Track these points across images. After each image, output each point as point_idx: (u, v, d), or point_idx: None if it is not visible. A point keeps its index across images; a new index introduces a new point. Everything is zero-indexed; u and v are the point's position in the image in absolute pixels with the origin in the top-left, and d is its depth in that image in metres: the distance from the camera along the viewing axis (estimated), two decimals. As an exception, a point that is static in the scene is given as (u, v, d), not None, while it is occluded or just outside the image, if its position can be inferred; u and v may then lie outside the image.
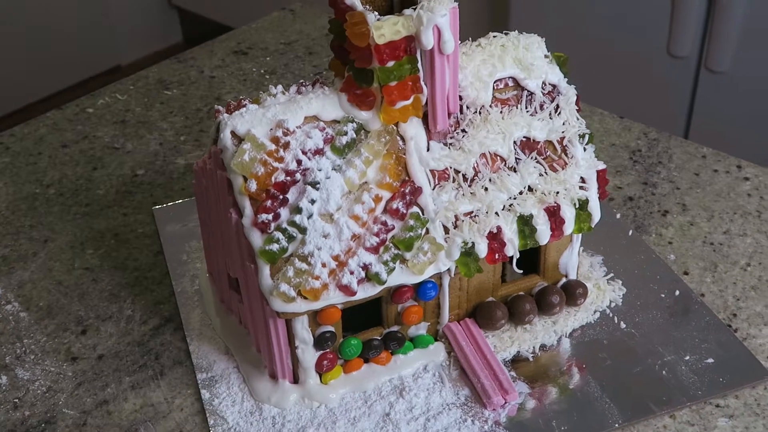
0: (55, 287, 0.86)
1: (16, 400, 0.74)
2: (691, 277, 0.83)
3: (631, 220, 0.90)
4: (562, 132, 0.73)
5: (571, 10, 1.87)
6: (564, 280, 0.78)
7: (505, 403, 0.70)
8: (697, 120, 1.85)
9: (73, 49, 2.58)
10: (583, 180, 0.73)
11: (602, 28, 1.85)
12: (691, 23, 1.75)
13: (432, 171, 0.70)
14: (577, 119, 0.74)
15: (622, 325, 0.77)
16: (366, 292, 0.68)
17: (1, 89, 2.44)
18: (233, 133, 0.67)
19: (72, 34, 2.57)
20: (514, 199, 0.71)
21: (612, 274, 0.82)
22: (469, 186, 0.71)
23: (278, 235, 0.66)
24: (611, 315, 0.78)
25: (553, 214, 0.72)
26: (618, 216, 0.90)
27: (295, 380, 0.72)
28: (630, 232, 0.88)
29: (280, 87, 0.71)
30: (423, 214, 0.69)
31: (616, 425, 0.69)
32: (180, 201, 0.96)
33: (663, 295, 0.80)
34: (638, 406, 0.70)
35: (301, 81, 0.71)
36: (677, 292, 0.80)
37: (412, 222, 0.68)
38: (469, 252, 0.70)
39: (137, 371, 0.76)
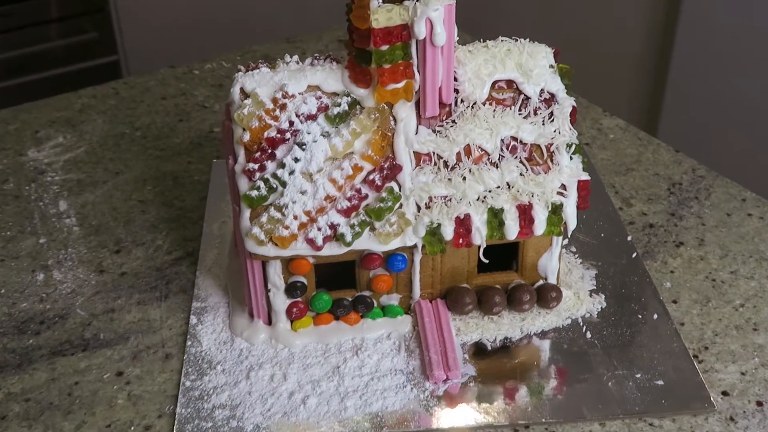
0: (110, 212, 0.98)
1: (44, 295, 0.86)
2: (678, 305, 0.83)
3: (643, 246, 0.91)
4: (552, 138, 0.76)
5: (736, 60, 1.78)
6: (541, 282, 0.82)
7: (447, 379, 0.75)
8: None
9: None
10: (563, 187, 0.77)
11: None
12: None
13: (416, 153, 0.76)
14: (570, 129, 0.77)
15: (588, 335, 0.80)
16: (332, 250, 0.74)
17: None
18: (242, 90, 0.75)
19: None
20: (489, 192, 0.76)
21: (595, 287, 0.84)
22: (449, 173, 0.76)
23: (260, 183, 0.73)
24: (581, 324, 0.81)
25: (525, 212, 0.75)
26: (629, 238, 0.91)
27: (270, 322, 0.80)
28: (633, 255, 0.89)
29: (296, 57, 0.78)
30: (399, 190, 0.75)
31: (543, 420, 0.72)
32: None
33: (640, 316, 0.81)
34: (571, 408, 0.73)
35: (316, 54, 0.79)
36: (655, 316, 0.81)
37: (385, 195, 0.74)
38: (434, 232, 0.75)
39: (147, 291, 0.86)
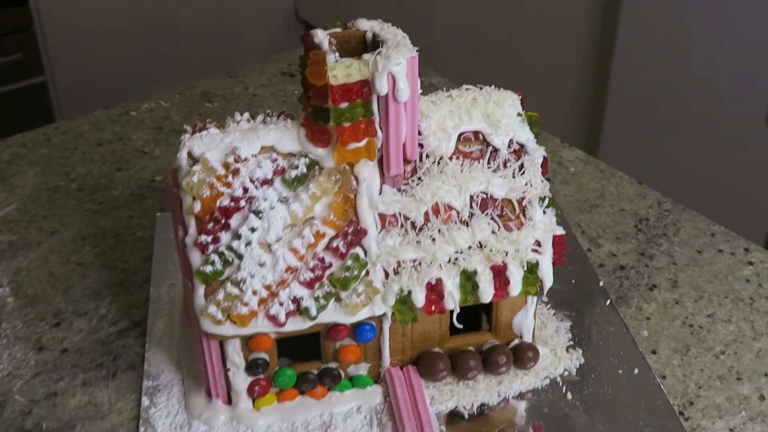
0: (47, 278, 0.91)
1: (-22, 379, 0.79)
2: (658, 356, 0.80)
3: (615, 290, 0.88)
4: (523, 192, 0.72)
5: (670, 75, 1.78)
6: (517, 341, 0.77)
7: (425, 456, 0.70)
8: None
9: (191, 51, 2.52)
10: (538, 243, 0.72)
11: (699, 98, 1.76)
12: None
13: (381, 215, 0.70)
14: (541, 181, 0.73)
15: (569, 395, 0.75)
16: (295, 325, 0.69)
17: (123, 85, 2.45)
18: (189, 154, 0.69)
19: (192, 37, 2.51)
20: (461, 253, 0.71)
21: (571, 342, 0.80)
22: (417, 234, 0.71)
23: (215, 257, 0.67)
24: (561, 384, 0.77)
25: (499, 273, 0.71)
26: (601, 284, 0.88)
27: (229, 401, 0.74)
28: (608, 302, 0.85)
29: (246, 114, 0.73)
30: (365, 256, 0.70)
31: (530, 497, 0.67)
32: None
33: (621, 371, 0.78)
34: (558, 481, 0.68)
35: (268, 111, 0.73)
36: (636, 370, 0.78)
37: (350, 262, 0.69)
38: (404, 300, 0.70)
39: (92, 369, 0.80)
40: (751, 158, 1.70)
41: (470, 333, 0.76)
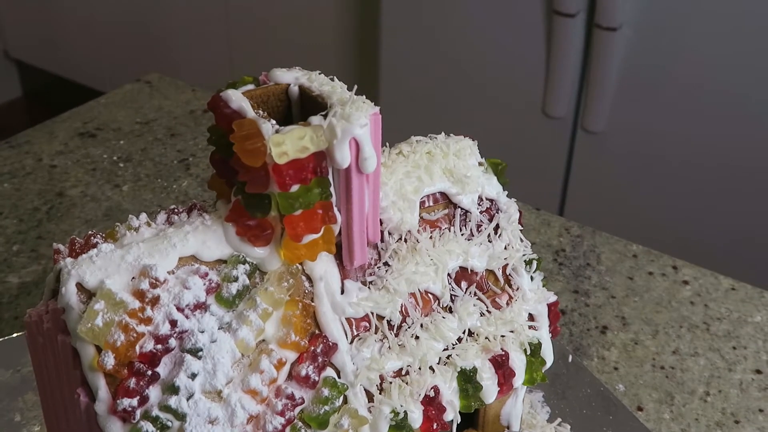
0: None
1: None
2: (647, 413, 0.70)
3: (568, 341, 0.77)
4: (505, 259, 0.59)
5: (443, 65, 1.80)
6: (507, 433, 0.64)
7: None
8: (574, 180, 1.81)
9: None
10: (531, 317, 0.59)
11: (475, 87, 1.79)
12: (567, 83, 1.71)
13: (349, 320, 0.54)
14: (521, 241, 0.60)
15: (579, 486, 0.63)
16: (269, 491, 0.51)
17: None
18: (80, 286, 0.49)
19: None
20: (453, 348, 0.56)
21: (559, 419, 0.68)
22: (396, 335, 0.55)
23: (147, 426, 0.48)
24: (564, 473, 0.64)
25: (501, 365, 0.57)
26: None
27: None
28: (570, 358, 0.74)
29: (143, 216, 0.53)
30: (339, 378, 0.53)
31: None
32: (14, 335, 0.76)
33: (620, 442, 0.67)
34: None
35: (173, 207, 0.54)
36: (636, 437, 0.67)
37: (326, 391, 0.52)
38: (401, 425, 0.54)
39: None
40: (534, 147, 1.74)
41: (456, 438, 0.62)
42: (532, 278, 0.60)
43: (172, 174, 0.99)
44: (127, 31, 2.35)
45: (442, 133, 0.60)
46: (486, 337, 0.57)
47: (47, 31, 2.52)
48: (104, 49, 2.40)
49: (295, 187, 0.49)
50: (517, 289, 0.59)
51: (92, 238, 0.52)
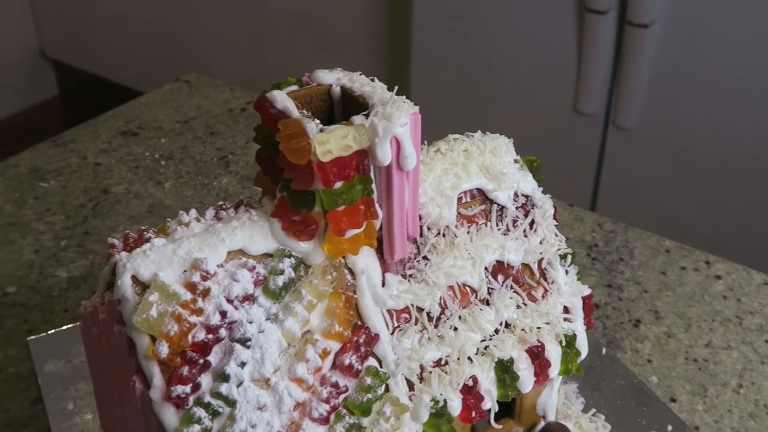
0: None
1: None
2: (680, 404, 0.71)
3: (602, 334, 0.78)
4: (540, 253, 0.60)
5: (474, 63, 1.82)
6: (542, 423, 0.65)
7: None
8: (606, 177, 1.82)
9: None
10: (566, 310, 0.61)
11: (507, 85, 1.80)
12: (598, 80, 1.72)
13: (389, 311, 0.56)
14: (556, 235, 0.61)
15: (613, 475, 0.65)
16: (315, 476, 0.53)
17: None
18: (135, 279, 0.51)
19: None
20: (490, 339, 0.58)
21: (594, 410, 0.69)
22: (435, 327, 0.57)
23: (199, 412, 0.50)
24: (598, 462, 0.66)
25: (537, 356, 0.59)
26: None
27: None
28: (604, 351, 0.76)
29: (193, 212, 0.55)
30: (381, 368, 0.55)
31: None
32: (64, 327, 0.79)
33: (654, 432, 0.68)
34: None
35: (221, 203, 0.56)
36: (670, 428, 0.68)
37: (369, 380, 0.54)
38: (441, 412, 0.56)
39: None
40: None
41: (495, 427, 0.64)
42: (566, 272, 0.61)
43: (212, 171, 1.02)
44: (161, 31, 2.39)
45: (479, 132, 0.62)
46: (522, 329, 0.59)
47: (83, 32, 2.57)
48: (138, 49, 2.44)
49: (338, 184, 0.51)
50: (552, 282, 0.61)
51: (145, 233, 0.54)
